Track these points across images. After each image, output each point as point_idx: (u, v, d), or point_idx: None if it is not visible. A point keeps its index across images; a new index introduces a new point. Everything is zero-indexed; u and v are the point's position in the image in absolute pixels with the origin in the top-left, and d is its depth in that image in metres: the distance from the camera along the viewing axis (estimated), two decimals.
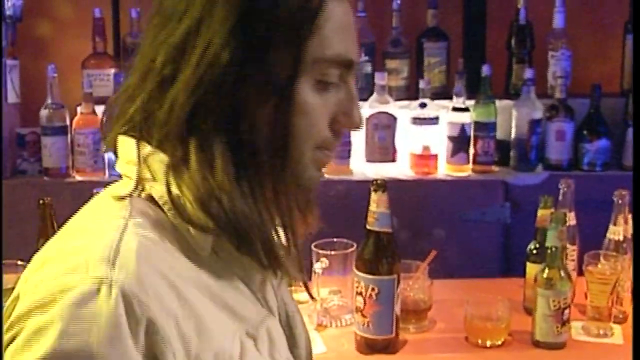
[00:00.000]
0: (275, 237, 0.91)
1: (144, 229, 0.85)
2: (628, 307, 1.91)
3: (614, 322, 1.86)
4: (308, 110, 0.88)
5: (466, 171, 2.77)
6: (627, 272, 1.89)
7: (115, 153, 0.94)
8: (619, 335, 1.83)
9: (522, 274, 1.96)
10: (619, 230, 1.90)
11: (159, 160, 0.88)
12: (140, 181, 0.89)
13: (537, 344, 1.76)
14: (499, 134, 2.78)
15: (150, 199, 0.89)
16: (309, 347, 1.09)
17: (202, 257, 0.89)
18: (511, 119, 2.78)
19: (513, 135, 2.79)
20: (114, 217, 0.86)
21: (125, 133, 0.92)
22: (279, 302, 1.03)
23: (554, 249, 1.75)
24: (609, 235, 1.90)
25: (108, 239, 0.82)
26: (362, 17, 2.77)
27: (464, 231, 2.69)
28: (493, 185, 2.74)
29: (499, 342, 1.77)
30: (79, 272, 0.79)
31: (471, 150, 2.75)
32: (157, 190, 0.88)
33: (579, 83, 2.86)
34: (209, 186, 0.86)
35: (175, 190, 0.87)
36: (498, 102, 2.76)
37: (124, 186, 0.91)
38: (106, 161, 2.68)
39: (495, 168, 2.80)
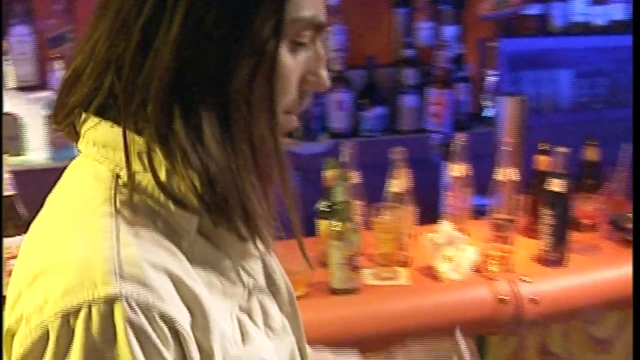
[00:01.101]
0: (255, 206, 0.86)
1: (133, 225, 0.80)
2: (410, 252, 2.10)
3: (399, 266, 2.04)
4: (285, 71, 0.86)
5: None
6: (406, 220, 2.09)
7: (71, 130, 0.89)
8: (404, 276, 2.01)
9: (315, 234, 2.10)
10: (398, 183, 2.09)
11: (139, 143, 0.82)
12: (117, 167, 0.84)
13: (334, 292, 1.90)
14: None
15: (126, 184, 0.83)
16: (291, 293, 1.07)
17: (186, 239, 0.85)
18: None
19: None
20: (100, 214, 0.80)
21: (87, 107, 0.86)
22: (265, 268, 1.01)
23: (341, 204, 1.90)
24: (390, 188, 2.09)
25: (106, 246, 0.76)
26: None
27: None
28: None
29: (301, 293, 1.89)
30: (86, 288, 0.74)
31: None
32: (141, 176, 0.83)
33: (354, 55, 3.04)
34: (200, 157, 0.81)
35: (162, 174, 0.82)
36: None
37: (97, 171, 0.85)
38: None
39: None
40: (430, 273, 2.02)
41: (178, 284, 0.80)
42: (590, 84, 3.43)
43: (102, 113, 0.85)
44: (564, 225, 2.06)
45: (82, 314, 0.73)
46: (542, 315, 1.93)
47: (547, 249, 2.08)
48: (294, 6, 0.85)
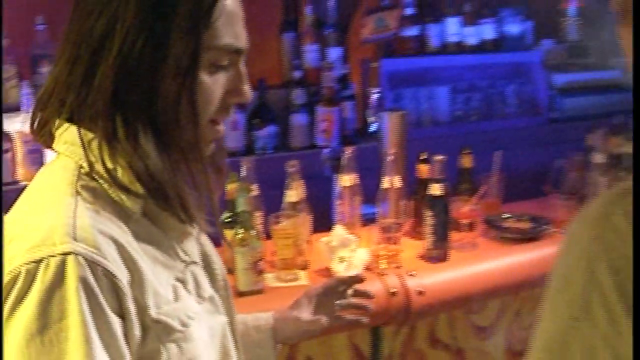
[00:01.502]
0: (187, 195, 1.06)
1: (90, 203, 1.01)
2: (308, 256, 2.26)
3: (299, 269, 2.20)
4: (206, 90, 1.05)
5: None
6: (303, 227, 2.26)
7: (47, 138, 1.09)
8: (304, 278, 2.17)
9: (220, 243, 2.22)
10: (293, 193, 2.25)
11: (93, 140, 1.03)
12: (80, 160, 1.04)
13: (241, 294, 2.03)
14: None
15: (88, 173, 1.04)
16: (225, 280, 1.29)
17: (133, 220, 1.05)
18: None
19: None
20: (64, 194, 1.01)
21: (59, 117, 1.06)
22: (200, 250, 1.21)
23: (244, 213, 2.05)
24: (286, 198, 2.25)
25: (66, 216, 0.97)
26: None
27: None
28: None
29: None
30: (47, 246, 0.94)
31: None
32: (94, 166, 1.03)
33: None
34: (137, 155, 1.01)
35: (109, 164, 1.02)
36: None
37: (66, 163, 1.06)
38: None
39: None
40: (327, 273, 2.17)
41: (121, 250, 1.00)
42: (465, 99, 3.63)
43: (71, 120, 1.07)
44: (445, 225, 2.28)
45: (42, 265, 0.93)
46: (428, 305, 2.13)
47: (430, 247, 2.29)
48: (211, 36, 1.03)
